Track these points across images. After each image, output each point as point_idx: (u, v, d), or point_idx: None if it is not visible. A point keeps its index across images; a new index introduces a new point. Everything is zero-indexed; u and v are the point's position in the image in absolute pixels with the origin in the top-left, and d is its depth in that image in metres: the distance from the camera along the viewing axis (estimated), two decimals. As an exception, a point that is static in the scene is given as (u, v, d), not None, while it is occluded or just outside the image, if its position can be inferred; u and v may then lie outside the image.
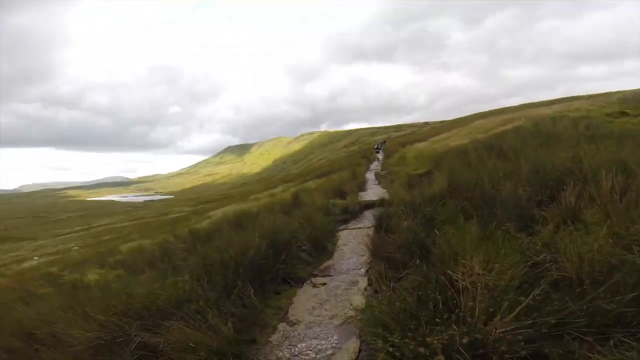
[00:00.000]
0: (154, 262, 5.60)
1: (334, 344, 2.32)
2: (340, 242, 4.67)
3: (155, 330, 2.50)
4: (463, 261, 2.00)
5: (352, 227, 5.50)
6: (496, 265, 1.86)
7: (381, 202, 6.50)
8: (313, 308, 2.89)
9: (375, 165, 19.04)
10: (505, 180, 3.96)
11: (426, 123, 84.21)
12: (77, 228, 38.09)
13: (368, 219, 5.82)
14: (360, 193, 8.82)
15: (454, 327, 1.60)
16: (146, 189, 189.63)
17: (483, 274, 1.84)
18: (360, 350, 2.22)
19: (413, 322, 1.84)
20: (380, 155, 25.56)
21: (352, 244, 4.48)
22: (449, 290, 1.94)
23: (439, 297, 1.96)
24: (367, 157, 25.42)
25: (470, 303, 1.72)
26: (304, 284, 3.44)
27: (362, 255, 3.92)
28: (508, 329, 1.58)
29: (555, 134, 7.78)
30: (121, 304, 2.83)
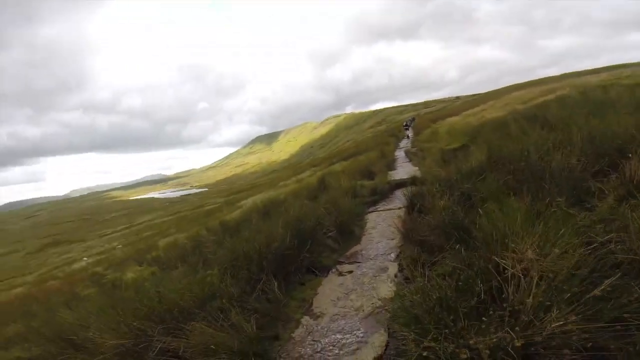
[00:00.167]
0: (186, 257, 5.70)
1: (359, 338, 2.11)
2: (368, 225, 4.40)
3: (177, 334, 2.42)
4: (513, 245, 1.65)
5: (381, 208, 5.19)
6: (555, 250, 1.51)
7: (413, 181, 6.12)
8: (338, 299, 2.68)
9: (404, 143, 18.29)
10: (554, 151, 3.45)
11: (457, 97, 79.86)
12: (121, 227, 40.83)
13: (399, 199, 5.48)
14: (390, 172, 8.44)
15: (507, 329, 1.29)
16: (182, 184, 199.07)
17: (537, 260, 1.50)
18: (387, 344, 1.99)
19: (451, 316, 1.56)
20: (409, 133, 24.62)
21: (382, 227, 4.19)
22: (494, 278, 1.63)
23: (482, 286, 1.66)
24: (396, 135, 24.56)
25: (521, 294, 1.40)
26: (330, 272, 3.24)
27: (393, 239, 3.63)
28: (566, 322, 1.26)
29: (608, 102, 6.84)
30: (145, 307, 2.79)
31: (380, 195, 6.02)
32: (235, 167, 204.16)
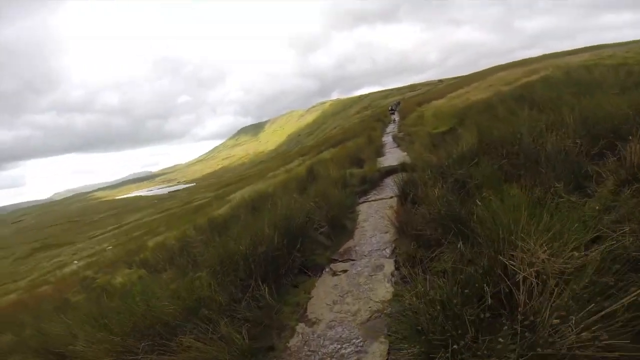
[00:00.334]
0: (174, 259, 5.50)
1: (358, 347, 1.98)
2: (360, 217, 4.25)
3: (163, 350, 2.26)
4: (520, 243, 1.51)
5: (372, 198, 5.05)
6: (574, 253, 1.37)
7: (403, 167, 5.98)
8: (334, 302, 2.53)
9: (391, 128, 18.13)
10: (548, 133, 3.35)
11: (440, 81, 80.00)
12: (110, 227, 40.08)
13: (390, 187, 5.35)
14: (379, 159, 8.26)
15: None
16: (169, 180, 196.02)
17: (549, 260, 1.37)
18: (389, 353, 1.86)
19: (457, 327, 1.43)
20: (395, 117, 24.45)
21: (374, 219, 4.05)
22: (502, 281, 1.49)
23: (489, 289, 1.53)
24: (382, 120, 24.37)
25: (535, 303, 1.27)
26: (323, 272, 3.09)
27: (386, 232, 3.49)
28: (593, 338, 1.13)
29: (593, 83, 6.79)
30: (129, 321, 2.60)
31: (370, 183, 5.87)
32: (222, 159, 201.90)
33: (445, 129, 7.92)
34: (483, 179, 3.17)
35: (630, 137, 2.32)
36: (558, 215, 1.65)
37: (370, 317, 2.21)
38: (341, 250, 3.42)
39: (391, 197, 4.70)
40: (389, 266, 2.78)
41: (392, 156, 8.43)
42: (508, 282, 1.44)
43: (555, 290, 1.25)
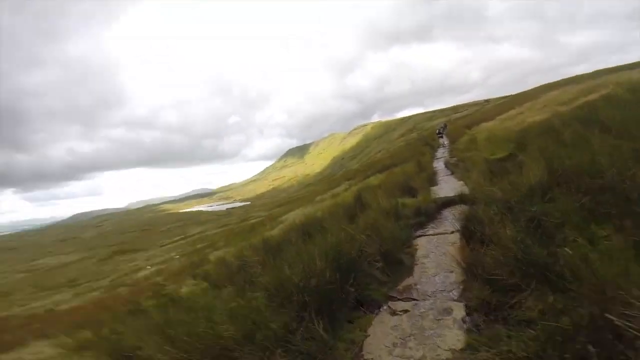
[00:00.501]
0: (232, 276, 5.72)
1: (426, 406, 1.78)
2: (419, 253, 4.00)
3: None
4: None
5: (430, 232, 4.76)
6: None
7: (461, 199, 5.59)
8: (394, 345, 2.35)
9: (441, 153, 17.22)
10: (636, 165, 2.91)
11: (487, 101, 76.03)
12: (176, 238, 43.78)
13: (448, 220, 5.01)
14: (433, 188, 7.84)
15: None
16: (226, 198, 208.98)
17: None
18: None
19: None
20: (444, 141, 23.26)
21: (435, 256, 3.79)
22: (611, 345, 1.26)
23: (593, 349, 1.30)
24: (430, 144, 23.28)
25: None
26: (380, 309, 2.92)
27: (451, 272, 3.22)
28: None
29: None
30: (192, 337, 2.71)
31: (426, 216, 5.50)
32: (273, 180, 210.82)
33: (503, 155, 7.29)
34: (563, 217, 2.82)
35: None
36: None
37: (438, 368, 2.00)
38: (400, 287, 3.22)
39: (452, 232, 4.37)
40: (459, 310, 2.52)
41: (447, 185, 7.95)
42: (620, 343, 1.20)
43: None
